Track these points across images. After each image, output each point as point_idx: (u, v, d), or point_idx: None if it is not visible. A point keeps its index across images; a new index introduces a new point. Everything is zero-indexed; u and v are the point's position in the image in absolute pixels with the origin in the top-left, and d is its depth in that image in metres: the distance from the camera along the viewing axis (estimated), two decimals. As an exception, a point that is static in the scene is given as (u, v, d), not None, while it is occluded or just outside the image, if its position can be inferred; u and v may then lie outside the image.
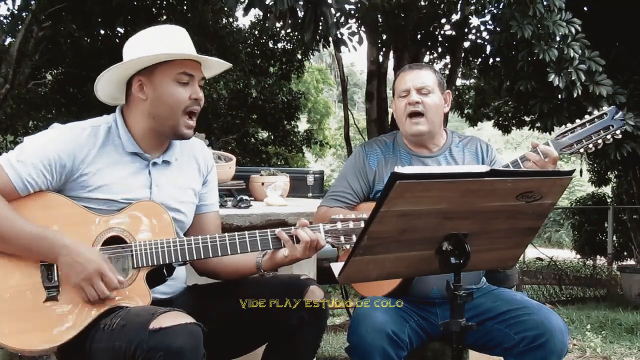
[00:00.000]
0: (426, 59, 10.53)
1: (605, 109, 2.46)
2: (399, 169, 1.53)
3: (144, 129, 2.02)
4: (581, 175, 8.57)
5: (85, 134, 1.96)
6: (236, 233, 1.99)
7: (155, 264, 1.92)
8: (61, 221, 1.89)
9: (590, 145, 2.42)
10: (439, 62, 11.07)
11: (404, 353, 2.19)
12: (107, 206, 1.94)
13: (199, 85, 2.04)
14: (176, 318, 1.70)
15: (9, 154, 1.90)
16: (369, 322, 2.15)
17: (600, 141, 2.42)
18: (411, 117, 2.48)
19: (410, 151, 2.56)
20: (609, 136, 2.42)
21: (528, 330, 2.19)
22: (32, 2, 9.51)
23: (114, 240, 1.93)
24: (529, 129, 11.40)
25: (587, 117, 2.45)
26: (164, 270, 1.97)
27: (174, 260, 1.94)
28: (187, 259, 1.96)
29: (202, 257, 1.97)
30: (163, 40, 2.00)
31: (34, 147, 1.90)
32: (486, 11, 7.29)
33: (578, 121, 2.45)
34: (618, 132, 2.43)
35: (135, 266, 1.91)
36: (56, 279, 1.84)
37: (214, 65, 2.13)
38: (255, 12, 11.18)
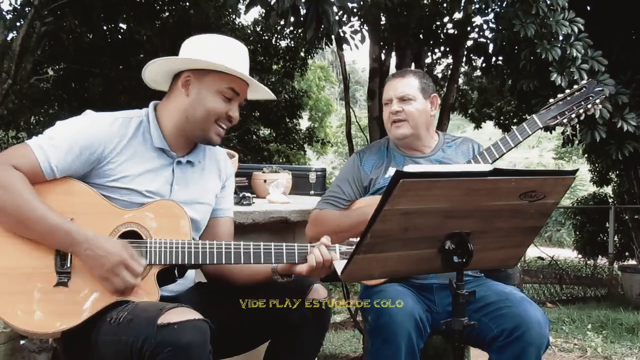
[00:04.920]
0: (428, 58, 10.54)
1: (584, 82, 2.64)
2: (403, 168, 1.54)
3: (175, 126, 2.05)
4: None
5: (117, 124, 1.98)
6: (262, 244, 1.98)
7: (168, 263, 1.92)
8: (82, 209, 1.89)
9: (573, 116, 2.58)
10: (441, 61, 11.07)
11: (422, 344, 2.22)
12: (128, 197, 1.95)
13: (239, 104, 2.09)
14: (184, 314, 1.70)
15: (39, 137, 1.90)
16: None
17: (582, 111, 2.58)
18: (394, 122, 2.62)
19: (403, 153, 2.66)
20: (589, 106, 2.57)
21: (506, 322, 2.21)
22: (35, -2, 9.50)
23: (131, 235, 1.93)
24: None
25: (568, 91, 2.62)
26: (175, 271, 1.97)
27: (187, 262, 1.93)
28: (201, 262, 1.95)
29: (217, 262, 1.96)
30: (226, 51, 2.05)
31: (66, 132, 1.91)
32: (489, 10, 7.28)
33: (560, 95, 2.61)
34: (598, 101, 2.58)
35: (148, 263, 1.90)
36: (69, 265, 1.83)
37: (260, 91, 2.18)
38: (258, 9, 11.17)
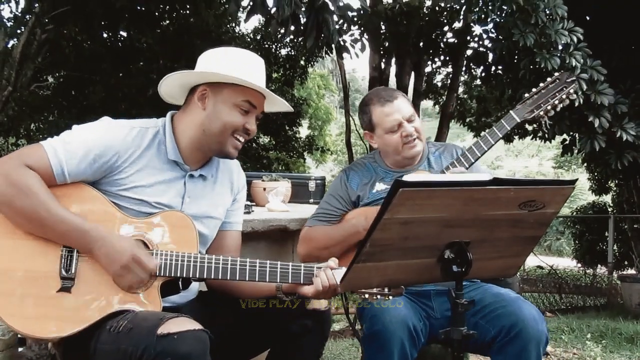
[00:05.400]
0: (428, 67, 10.57)
1: (557, 74, 2.71)
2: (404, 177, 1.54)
3: (191, 139, 2.05)
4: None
5: (133, 133, 1.98)
6: (268, 262, 1.97)
7: (173, 275, 1.91)
8: (91, 216, 1.89)
9: (549, 107, 2.63)
10: (441, 70, 11.11)
11: (416, 354, 2.23)
12: (138, 207, 1.95)
13: (256, 117, 2.09)
14: (184, 324, 1.70)
15: (54, 139, 1.91)
16: (393, 313, 2.20)
17: (557, 102, 2.64)
18: (408, 143, 2.58)
19: (390, 169, 2.67)
20: (564, 96, 2.63)
21: (503, 321, 2.23)
22: (36, 5, 9.52)
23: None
24: (531, 139, 11.40)
25: (542, 84, 2.68)
26: (180, 283, 1.97)
27: (192, 275, 1.92)
28: (206, 277, 1.94)
29: (222, 277, 1.95)
30: (242, 64, 2.05)
31: (81, 138, 1.91)
32: (488, 19, 7.30)
33: (534, 89, 2.67)
34: (572, 91, 2.65)
35: (152, 274, 1.90)
36: (73, 271, 1.84)
37: (277, 103, 2.18)
38: (258, 18, 11.21)
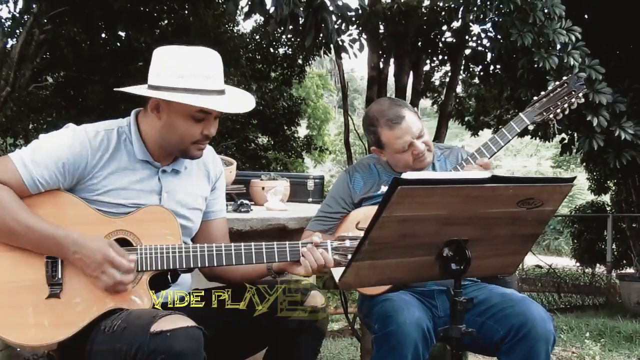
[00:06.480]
0: (427, 66, 10.57)
1: (565, 78, 2.71)
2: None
3: (156, 140, 2.02)
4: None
5: (99, 137, 1.96)
6: (252, 244, 1.98)
7: (159, 268, 1.91)
8: (70, 220, 1.89)
9: (558, 111, 2.65)
10: (439, 68, 11.10)
11: (427, 355, 2.22)
12: (116, 210, 1.94)
13: (215, 118, 2.00)
14: (177, 321, 1.70)
15: (22, 150, 1.90)
16: (408, 314, 2.19)
17: (566, 106, 2.64)
18: (419, 158, 2.54)
19: (394, 172, 2.64)
20: (573, 100, 2.64)
21: (512, 321, 2.21)
22: (34, 5, 9.51)
23: (121, 243, 1.92)
24: (531, 138, 11.40)
25: (550, 87, 2.70)
26: (169, 276, 1.97)
27: (178, 267, 1.93)
28: (192, 266, 1.95)
29: (209, 265, 1.96)
30: (194, 73, 1.91)
31: (48, 147, 1.90)
32: (487, 19, 7.30)
33: (543, 93, 2.69)
34: (581, 95, 2.66)
35: (140, 269, 1.90)
36: (60, 275, 1.84)
37: (234, 105, 2.03)
38: (256, 17, 11.21)
